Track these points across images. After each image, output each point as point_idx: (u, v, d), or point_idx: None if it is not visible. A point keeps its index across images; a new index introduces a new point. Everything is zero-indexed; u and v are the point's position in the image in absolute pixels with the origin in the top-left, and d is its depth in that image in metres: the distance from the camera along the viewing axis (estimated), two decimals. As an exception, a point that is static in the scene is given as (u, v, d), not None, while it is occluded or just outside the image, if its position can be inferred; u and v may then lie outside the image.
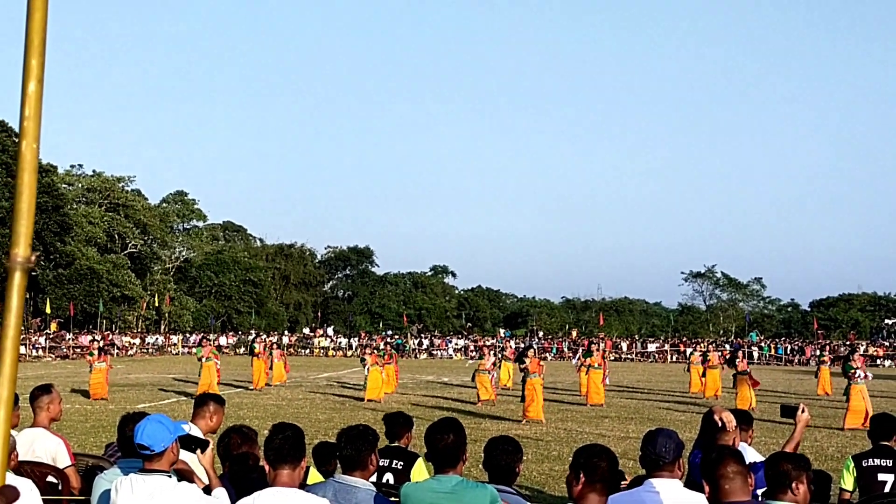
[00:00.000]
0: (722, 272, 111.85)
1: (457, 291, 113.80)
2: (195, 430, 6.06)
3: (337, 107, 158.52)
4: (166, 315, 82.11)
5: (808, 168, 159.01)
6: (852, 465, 7.44)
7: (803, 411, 6.21)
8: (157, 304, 78.41)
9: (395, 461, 6.68)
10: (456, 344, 78.36)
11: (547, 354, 69.83)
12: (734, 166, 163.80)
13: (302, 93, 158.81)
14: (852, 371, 23.39)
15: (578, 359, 29.64)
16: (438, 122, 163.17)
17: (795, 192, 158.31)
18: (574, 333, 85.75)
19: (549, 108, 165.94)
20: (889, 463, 7.22)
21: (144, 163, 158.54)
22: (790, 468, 4.87)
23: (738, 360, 27.81)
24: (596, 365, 27.83)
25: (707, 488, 4.35)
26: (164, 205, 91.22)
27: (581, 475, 4.36)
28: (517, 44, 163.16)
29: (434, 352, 76.57)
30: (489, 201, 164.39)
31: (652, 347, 76.74)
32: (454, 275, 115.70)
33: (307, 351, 75.86)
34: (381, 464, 5.99)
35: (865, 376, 23.72)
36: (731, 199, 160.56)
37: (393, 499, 5.08)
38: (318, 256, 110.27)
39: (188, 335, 78.19)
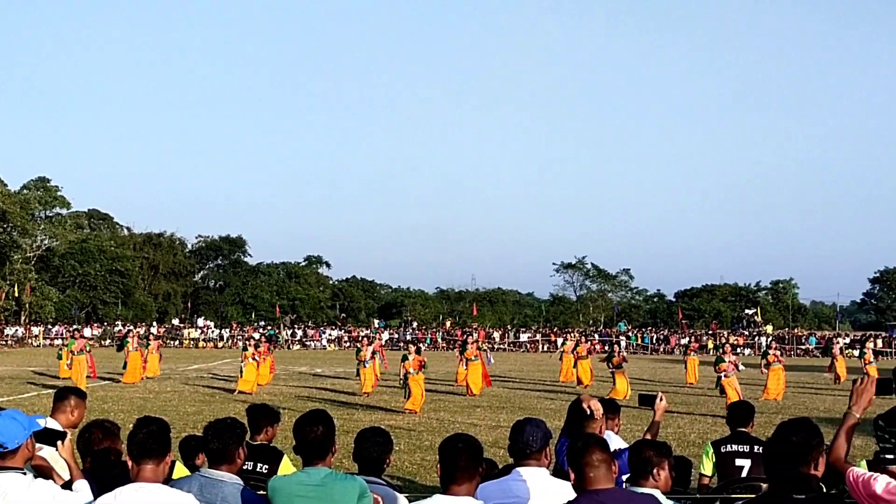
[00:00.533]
0: (592, 264, 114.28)
1: (331, 282, 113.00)
2: (53, 425, 5.84)
3: (205, 90, 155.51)
4: (27, 306, 78.98)
5: (675, 163, 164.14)
6: (711, 451, 7.69)
7: (661, 400, 6.39)
8: (16, 295, 75.39)
9: (259, 465, 6.57)
10: (330, 335, 77.94)
11: (421, 344, 70.15)
12: (605, 160, 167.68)
13: (169, 75, 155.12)
14: (723, 363, 24.26)
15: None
16: (311, 108, 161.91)
17: (663, 187, 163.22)
18: (448, 324, 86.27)
19: (419, 98, 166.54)
20: (746, 449, 7.48)
21: (3, 148, 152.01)
22: (652, 455, 5.02)
23: (614, 355, 28.41)
24: (473, 357, 28.15)
25: (573, 476, 4.41)
26: (25, 191, 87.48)
27: (446, 464, 4.39)
28: (368, 34, 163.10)
29: (308, 342, 75.99)
30: (364, 192, 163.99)
31: (524, 337, 77.94)
32: (328, 265, 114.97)
33: (176, 343, 74.30)
34: (245, 467, 5.87)
35: (736, 368, 24.67)
36: (601, 192, 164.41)
37: (261, 492, 4.99)
38: (189, 246, 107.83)
39: (50, 327, 75.46)
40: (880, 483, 4.10)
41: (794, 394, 29.24)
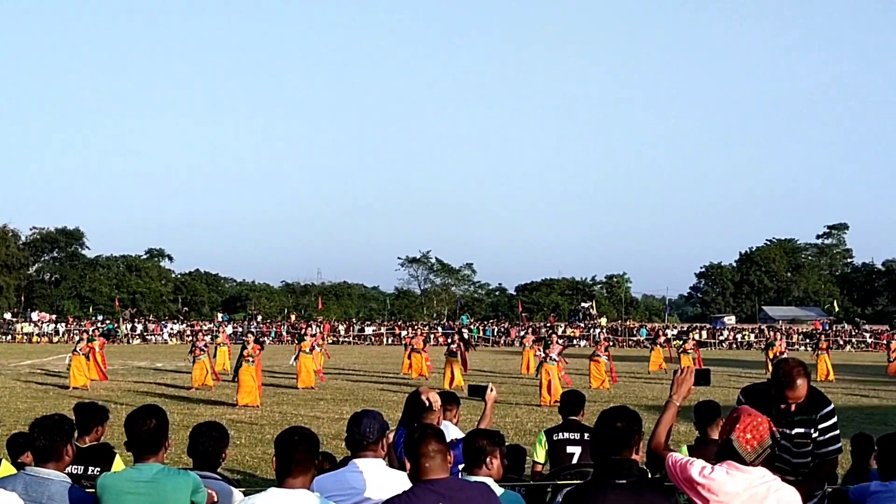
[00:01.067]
0: (436, 258, 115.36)
1: (173, 275, 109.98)
2: None
3: (43, 76, 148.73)
4: None
5: (515, 159, 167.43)
6: (544, 439, 7.87)
7: (491, 391, 6.51)
8: None
9: (90, 468, 6.31)
10: (171, 329, 75.92)
11: (265, 338, 69.27)
12: (447, 157, 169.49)
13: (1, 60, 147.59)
14: (548, 349, 24.84)
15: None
16: (150, 95, 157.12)
17: (504, 184, 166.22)
18: (293, 317, 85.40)
19: (265, 96, 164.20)
20: (577, 436, 7.69)
21: None
22: (485, 444, 5.10)
23: (453, 345, 28.72)
24: (308, 350, 27.94)
25: (409, 465, 4.43)
26: None
27: (282, 457, 4.34)
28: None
29: (148, 337, 73.77)
30: (207, 184, 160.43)
31: (369, 330, 77.92)
32: (171, 258, 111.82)
33: (9, 337, 70.83)
34: (75, 471, 5.64)
35: (558, 357, 25.27)
36: (446, 188, 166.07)
37: (90, 490, 4.80)
38: (23, 238, 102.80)
39: None
40: (696, 467, 4.28)
41: (624, 383, 30.32)
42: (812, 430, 5.42)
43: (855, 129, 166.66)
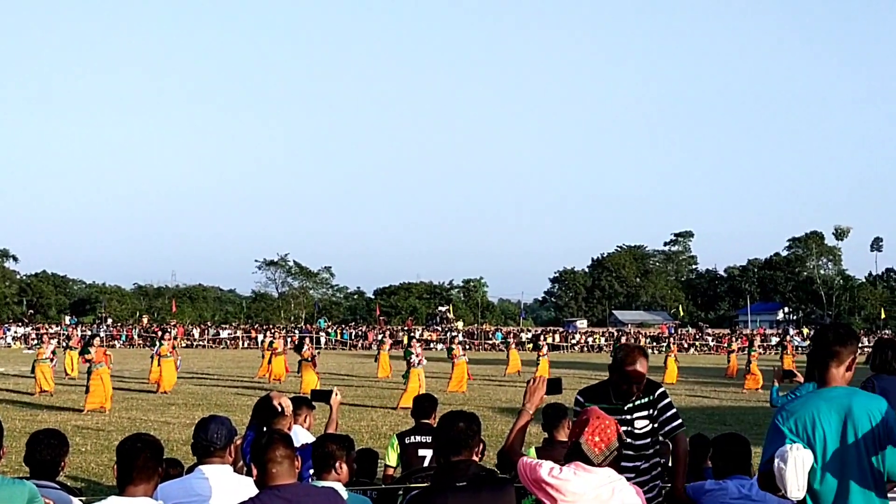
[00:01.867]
0: (294, 261, 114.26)
1: (18, 276, 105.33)
2: None
3: None
4: None
5: (371, 161, 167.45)
6: (396, 442, 7.89)
7: (336, 395, 6.52)
8: None
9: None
10: (16, 332, 72.58)
11: (115, 342, 67.08)
12: (306, 159, 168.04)
13: None
14: (411, 356, 24.93)
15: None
16: None
17: (362, 186, 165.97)
18: (145, 320, 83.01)
19: (109, 87, 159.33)
20: (428, 439, 7.73)
21: None
22: (334, 448, 5.08)
23: (304, 347, 28.44)
24: (167, 354, 27.22)
25: (255, 471, 4.37)
26: None
27: (123, 465, 4.22)
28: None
29: (-10, 340, 70.33)
30: (55, 180, 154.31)
31: (224, 334, 76.39)
32: (16, 259, 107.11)
33: None
34: None
35: (421, 361, 25.41)
36: (304, 190, 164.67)
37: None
38: None
39: None
40: (545, 468, 4.37)
41: (479, 385, 30.67)
42: (653, 412, 5.62)
43: (701, 139, 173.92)
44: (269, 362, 32.15)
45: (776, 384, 9.72)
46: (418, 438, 7.79)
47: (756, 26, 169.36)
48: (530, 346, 41.67)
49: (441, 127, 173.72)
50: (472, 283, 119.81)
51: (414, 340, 26.99)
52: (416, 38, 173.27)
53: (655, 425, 5.62)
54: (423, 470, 7.33)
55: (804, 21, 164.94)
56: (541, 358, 34.36)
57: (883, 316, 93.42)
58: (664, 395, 5.69)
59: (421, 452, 7.69)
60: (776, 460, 4.03)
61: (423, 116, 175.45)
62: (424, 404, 8.13)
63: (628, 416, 5.51)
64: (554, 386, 5.09)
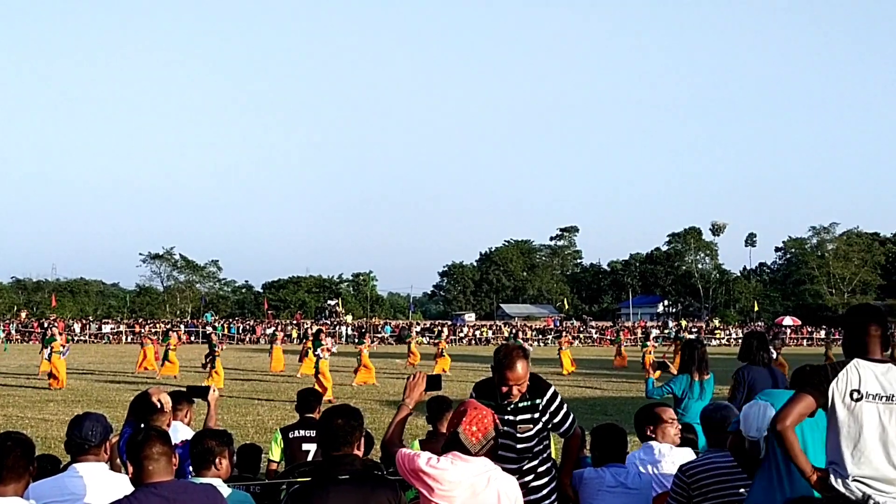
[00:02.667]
0: (180, 254, 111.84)
1: None
2: None
3: None
4: None
5: (259, 154, 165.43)
6: (280, 437, 7.82)
7: (213, 391, 6.49)
8: None
9: None
10: None
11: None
12: (188, 150, 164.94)
13: None
14: (322, 348, 24.76)
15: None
16: None
17: (249, 178, 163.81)
18: (23, 315, 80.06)
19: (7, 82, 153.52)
20: (312, 434, 7.68)
21: None
22: (213, 444, 5.01)
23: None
24: (61, 350, 26.51)
25: (131, 469, 4.29)
26: None
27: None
28: None
29: None
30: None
31: (107, 328, 74.35)
32: None
33: None
34: None
35: (330, 351, 25.34)
36: (190, 182, 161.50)
37: None
38: None
39: None
40: (423, 458, 4.42)
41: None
42: (537, 415, 5.49)
43: (586, 135, 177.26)
44: (166, 357, 31.00)
45: (650, 376, 10.05)
46: (302, 433, 7.74)
47: (638, 26, 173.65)
48: (421, 339, 41.90)
49: (328, 119, 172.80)
50: (361, 277, 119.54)
51: (322, 333, 26.71)
52: (293, 28, 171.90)
53: (539, 427, 5.52)
54: (307, 464, 7.29)
55: (672, 20, 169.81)
56: (443, 352, 34.68)
57: (756, 308, 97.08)
58: (554, 397, 5.56)
59: (305, 447, 7.63)
60: (745, 408, 4.81)
61: (309, 108, 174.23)
62: (309, 399, 8.09)
63: (511, 417, 5.43)
64: (433, 382, 5.14)
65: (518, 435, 5.49)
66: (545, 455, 5.63)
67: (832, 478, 4.30)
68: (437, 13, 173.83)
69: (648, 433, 6.30)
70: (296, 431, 7.79)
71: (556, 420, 5.57)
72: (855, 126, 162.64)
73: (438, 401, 7.56)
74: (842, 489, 4.26)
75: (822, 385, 4.37)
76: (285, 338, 51.87)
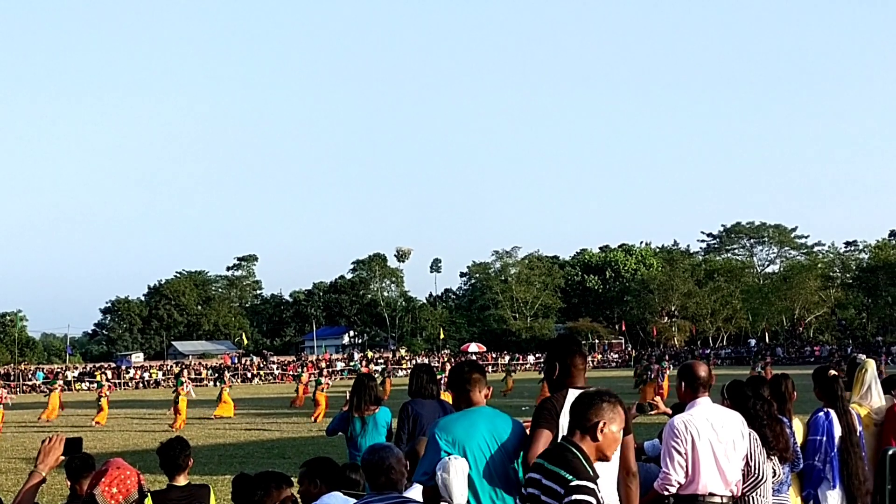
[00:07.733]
0: None
1: None
2: None
3: None
4: None
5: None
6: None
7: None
8: None
9: None
10: None
11: None
12: None
13: None
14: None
15: None
16: None
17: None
18: None
19: None
20: None
21: None
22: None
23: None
24: None
25: None
26: None
27: None
28: None
29: None
30: None
31: None
32: None
33: None
34: None
35: None
36: None
37: None
38: None
39: None
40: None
41: (13, 434, 28.86)
42: None
43: (262, 163, 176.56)
44: None
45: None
46: None
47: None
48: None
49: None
50: (8, 317, 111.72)
51: None
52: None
53: None
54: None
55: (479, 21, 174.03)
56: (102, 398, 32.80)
57: (442, 336, 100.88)
58: None
59: None
60: (438, 473, 4.79)
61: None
62: None
63: None
64: (73, 446, 4.98)
65: None
66: None
67: None
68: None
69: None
70: None
71: None
72: (536, 151, 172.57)
73: (83, 458, 7.25)
74: None
75: (553, 419, 4.96)
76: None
